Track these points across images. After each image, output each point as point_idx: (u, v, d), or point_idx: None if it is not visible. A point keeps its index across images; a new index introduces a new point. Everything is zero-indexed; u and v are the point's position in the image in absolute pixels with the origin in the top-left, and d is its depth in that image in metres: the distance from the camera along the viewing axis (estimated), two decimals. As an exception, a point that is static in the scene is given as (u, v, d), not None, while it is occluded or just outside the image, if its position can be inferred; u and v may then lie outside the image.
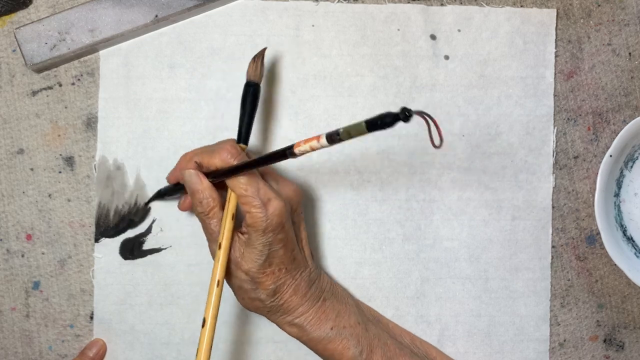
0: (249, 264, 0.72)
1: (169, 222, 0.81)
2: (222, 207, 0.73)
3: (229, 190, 0.73)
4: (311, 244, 0.81)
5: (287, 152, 0.64)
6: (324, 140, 0.61)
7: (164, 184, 0.81)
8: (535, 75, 0.83)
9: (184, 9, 0.80)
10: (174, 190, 0.79)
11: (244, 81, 0.81)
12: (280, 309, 0.74)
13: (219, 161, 0.72)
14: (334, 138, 0.61)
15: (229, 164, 0.72)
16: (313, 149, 0.62)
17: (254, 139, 0.81)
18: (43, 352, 0.81)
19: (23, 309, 0.81)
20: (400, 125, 0.82)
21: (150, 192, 0.81)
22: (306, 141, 0.62)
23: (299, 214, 0.77)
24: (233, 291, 0.76)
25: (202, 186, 0.73)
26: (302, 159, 0.81)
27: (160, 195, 0.80)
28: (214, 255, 0.73)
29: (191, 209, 0.78)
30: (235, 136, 0.76)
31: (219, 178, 0.72)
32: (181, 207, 0.79)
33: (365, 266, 0.82)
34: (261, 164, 0.69)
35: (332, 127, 0.81)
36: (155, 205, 0.81)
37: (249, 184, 0.71)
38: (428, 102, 0.83)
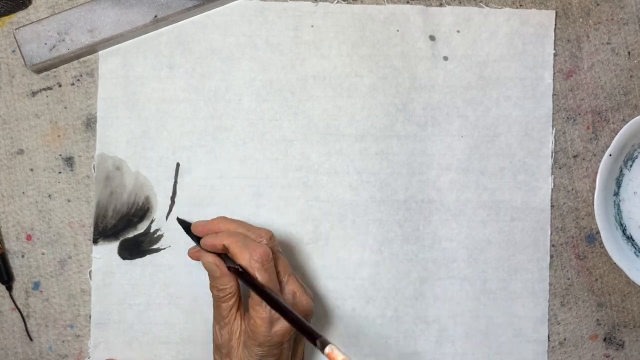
0: (241, 355, 0.73)
1: (168, 223, 0.81)
2: (239, 294, 0.73)
3: None
4: (311, 244, 0.81)
5: (317, 341, 0.63)
6: None
7: (163, 184, 0.81)
8: (534, 76, 0.83)
9: (184, 9, 0.80)
10: (195, 239, 0.79)
11: (243, 81, 0.81)
12: None
13: (246, 260, 0.72)
14: None
15: (253, 268, 0.71)
16: None
17: (254, 140, 0.82)
18: (43, 353, 0.81)
19: (23, 310, 0.81)
20: (400, 125, 0.82)
21: (151, 192, 0.81)
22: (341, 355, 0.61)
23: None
24: (214, 343, 0.76)
25: (220, 274, 0.73)
26: (301, 159, 0.82)
27: (185, 229, 0.80)
28: (215, 334, 0.74)
29: (198, 260, 0.77)
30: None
31: (238, 275, 0.72)
32: (190, 256, 0.79)
33: (365, 267, 0.82)
34: (282, 312, 0.68)
35: (332, 128, 0.82)
36: (154, 206, 0.81)
37: None
38: (427, 103, 0.82)
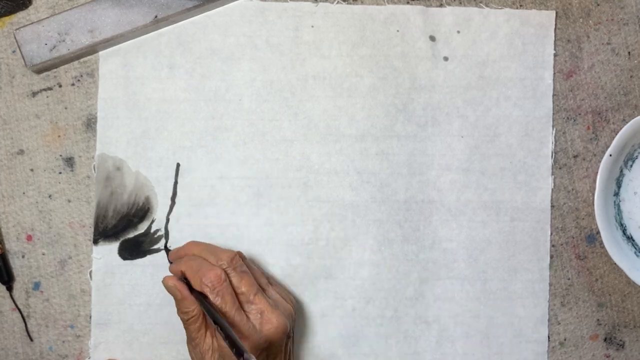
0: None
1: (168, 223, 0.82)
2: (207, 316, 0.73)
3: None
4: (311, 244, 0.81)
5: (243, 356, 0.65)
6: None
7: (163, 184, 0.81)
8: (534, 76, 0.83)
9: (184, 9, 0.80)
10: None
11: (243, 81, 0.81)
12: None
13: (197, 284, 0.73)
14: None
15: (204, 292, 0.72)
16: None
17: (254, 140, 0.82)
18: (43, 353, 0.81)
19: (23, 310, 0.81)
20: (400, 125, 0.82)
21: (151, 192, 0.81)
22: None
23: (280, 346, 0.75)
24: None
25: (181, 297, 0.73)
26: (301, 159, 0.82)
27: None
28: (190, 353, 0.75)
29: (178, 275, 0.77)
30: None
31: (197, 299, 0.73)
32: (169, 257, 0.80)
33: (365, 267, 0.83)
34: (222, 330, 0.69)
35: (332, 128, 0.82)
36: (154, 206, 0.81)
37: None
38: (427, 103, 0.83)
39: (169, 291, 0.74)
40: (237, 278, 0.74)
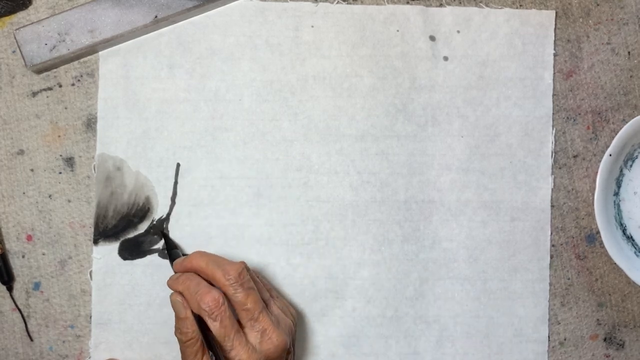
0: None
1: (168, 223, 0.82)
2: (203, 340, 0.73)
3: None
4: (311, 244, 0.81)
5: None
6: None
7: (163, 184, 0.81)
8: (534, 76, 0.83)
9: (184, 9, 0.80)
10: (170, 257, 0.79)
11: (243, 81, 0.81)
12: None
13: (195, 308, 0.72)
14: None
15: (202, 316, 0.72)
16: None
17: (254, 140, 0.82)
18: (44, 353, 0.81)
19: (24, 310, 0.81)
20: (400, 125, 0.82)
21: (151, 192, 0.81)
22: None
23: None
24: None
25: (184, 315, 0.72)
26: (301, 159, 0.82)
27: (166, 243, 0.81)
28: None
29: (182, 271, 0.77)
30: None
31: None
32: (174, 268, 0.78)
33: (365, 267, 0.83)
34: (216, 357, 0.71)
35: (332, 128, 0.82)
36: (155, 206, 0.81)
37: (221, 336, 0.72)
38: (427, 103, 0.83)
39: (173, 307, 0.73)
40: (243, 294, 0.72)
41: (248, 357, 0.71)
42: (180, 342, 0.73)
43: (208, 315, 0.71)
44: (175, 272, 0.77)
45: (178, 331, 0.73)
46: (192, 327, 0.72)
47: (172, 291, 0.75)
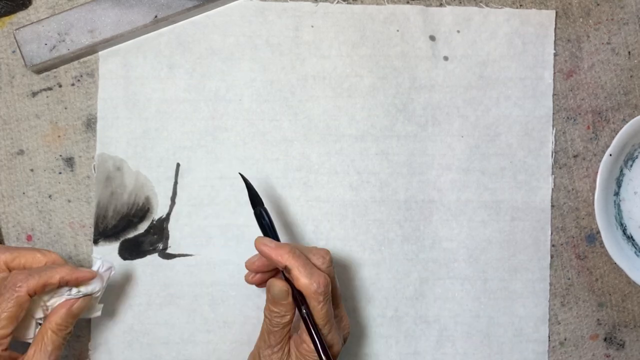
0: None
1: (168, 223, 0.82)
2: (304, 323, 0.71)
3: None
4: (311, 244, 0.81)
5: None
6: None
7: (163, 184, 0.81)
8: (534, 76, 0.83)
9: (184, 9, 0.80)
10: (259, 221, 0.76)
11: (243, 81, 0.81)
12: None
13: (310, 290, 0.70)
14: None
15: (316, 300, 0.70)
16: None
17: (254, 140, 0.82)
18: (43, 353, 0.81)
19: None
20: (400, 125, 0.82)
21: (151, 192, 0.81)
22: None
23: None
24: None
25: (287, 301, 0.71)
26: (301, 159, 0.82)
27: (252, 194, 0.77)
28: (261, 358, 0.73)
29: (257, 271, 0.76)
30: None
31: (298, 307, 0.71)
32: (248, 266, 0.76)
33: (365, 267, 0.83)
34: (314, 340, 0.70)
35: (332, 128, 0.82)
36: (154, 206, 0.81)
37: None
38: (427, 102, 0.83)
39: (274, 291, 0.71)
40: (332, 282, 0.72)
41: (338, 342, 0.72)
42: (273, 325, 0.71)
43: (322, 298, 0.69)
44: (260, 250, 0.73)
45: (276, 315, 0.71)
46: (291, 311, 0.71)
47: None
